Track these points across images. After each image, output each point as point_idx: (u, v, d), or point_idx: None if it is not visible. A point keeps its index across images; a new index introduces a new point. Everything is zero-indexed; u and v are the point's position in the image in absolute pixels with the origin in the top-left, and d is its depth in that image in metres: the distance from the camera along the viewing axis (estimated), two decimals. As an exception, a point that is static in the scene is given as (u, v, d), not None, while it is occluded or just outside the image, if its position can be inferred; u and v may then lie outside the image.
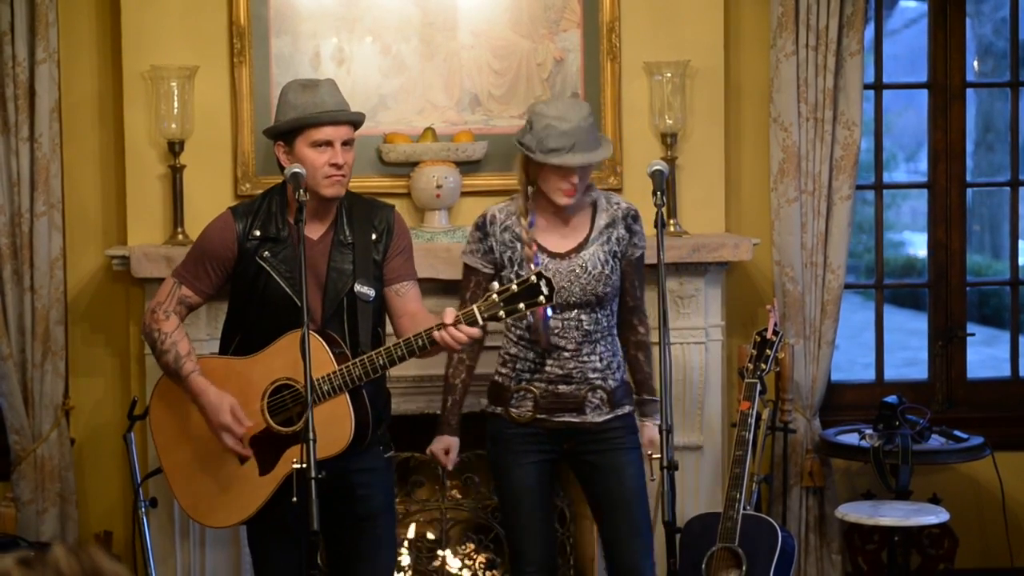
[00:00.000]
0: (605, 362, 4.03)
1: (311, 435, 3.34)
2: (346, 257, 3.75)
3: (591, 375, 4.01)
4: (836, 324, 5.12)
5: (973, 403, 5.43)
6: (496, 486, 4.27)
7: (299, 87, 3.78)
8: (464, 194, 4.83)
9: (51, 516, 4.85)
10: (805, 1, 4.98)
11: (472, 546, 5.08)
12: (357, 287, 3.74)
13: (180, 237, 4.70)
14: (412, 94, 4.88)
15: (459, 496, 5.07)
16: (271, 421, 3.70)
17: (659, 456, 3.62)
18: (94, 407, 4.96)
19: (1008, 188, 5.56)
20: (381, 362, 3.60)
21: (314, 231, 3.76)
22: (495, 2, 4.88)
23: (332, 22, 4.84)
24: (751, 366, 4.56)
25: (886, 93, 5.50)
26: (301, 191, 3.56)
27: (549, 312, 3.92)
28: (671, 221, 4.85)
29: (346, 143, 3.73)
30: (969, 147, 5.48)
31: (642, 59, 4.87)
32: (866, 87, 5.14)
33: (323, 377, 3.59)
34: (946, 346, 5.42)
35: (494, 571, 5.05)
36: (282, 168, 3.74)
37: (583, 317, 4.00)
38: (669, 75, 4.83)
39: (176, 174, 4.72)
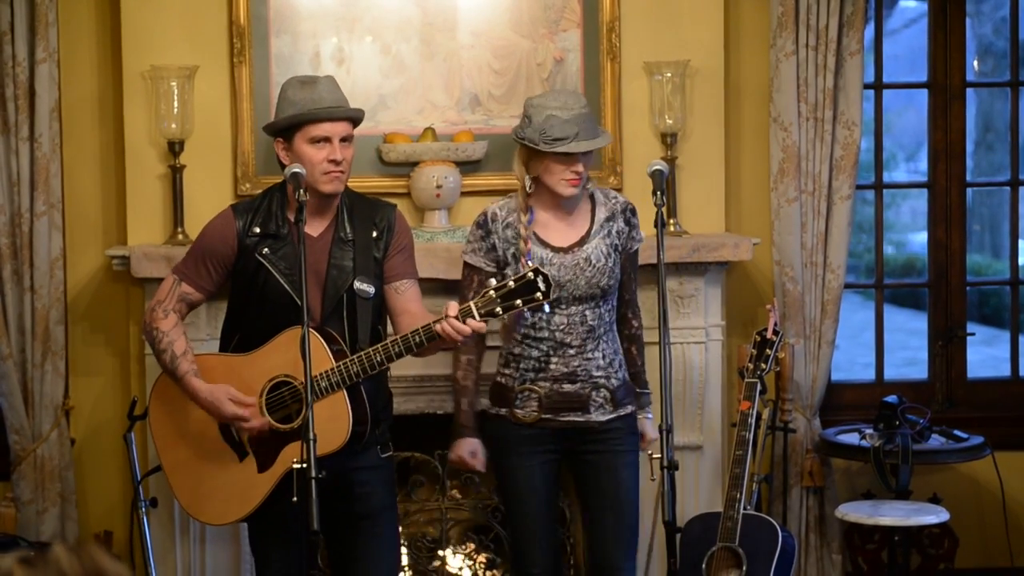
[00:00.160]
0: (608, 359, 4.04)
1: (311, 435, 3.34)
2: (346, 254, 3.75)
3: (595, 373, 4.02)
4: (836, 324, 5.12)
5: (973, 403, 5.42)
6: (499, 487, 4.27)
7: (298, 84, 3.78)
8: (464, 194, 4.82)
9: (51, 516, 4.85)
10: (805, 1, 4.97)
11: (472, 546, 5.07)
12: (357, 284, 3.74)
13: (180, 237, 4.70)
14: (412, 94, 4.88)
15: (459, 496, 5.06)
16: (270, 418, 3.71)
17: (659, 456, 3.62)
18: (94, 407, 4.96)
19: (1008, 188, 5.55)
20: (379, 358, 3.59)
21: (314, 228, 3.76)
22: (495, 2, 4.87)
23: (332, 22, 4.83)
24: (751, 366, 4.56)
25: (886, 93, 5.50)
26: (301, 191, 3.56)
27: (528, 314, 3.90)
28: (671, 221, 4.85)
29: (345, 139, 3.73)
30: (969, 147, 5.48)
31: (642, 59, 4.87)
32: (866, 87, 5.14)
33: (321, 374, 3.60)
34: (946, 346, 5.42)
35: (494, 571, 5.05)
36: (282, 166, 3.74)
37: (587, 312, 4.00)
38: (669, 75, 4.83)
39: (176, 174, 4.72)
